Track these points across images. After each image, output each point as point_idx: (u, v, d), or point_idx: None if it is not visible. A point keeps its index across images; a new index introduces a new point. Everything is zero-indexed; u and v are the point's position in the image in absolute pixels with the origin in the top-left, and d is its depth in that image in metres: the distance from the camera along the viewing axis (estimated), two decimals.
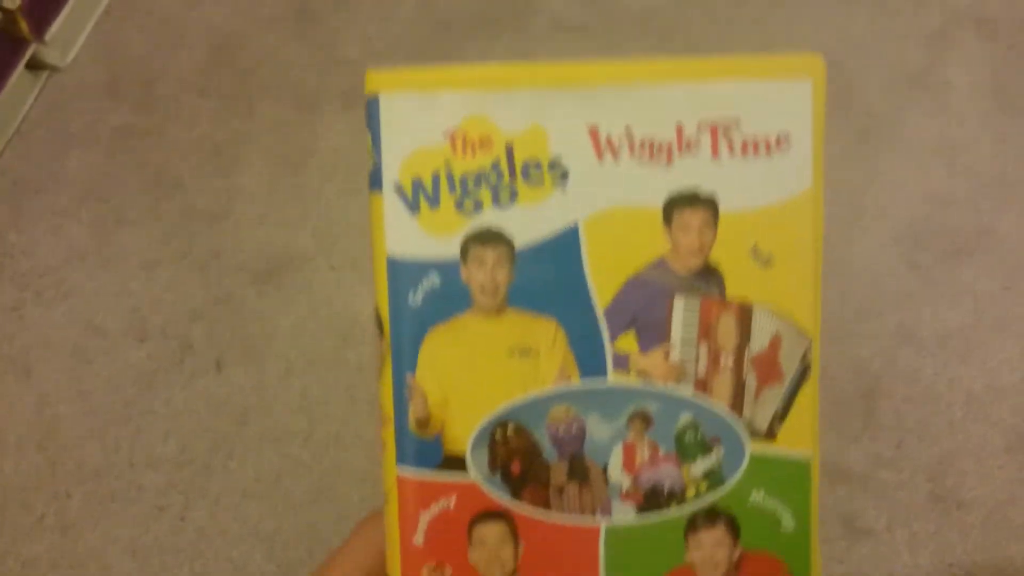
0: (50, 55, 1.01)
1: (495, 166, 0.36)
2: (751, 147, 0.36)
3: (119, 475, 0.75)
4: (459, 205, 0.36)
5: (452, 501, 0.37)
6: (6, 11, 0.94)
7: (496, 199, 0.37)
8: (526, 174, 0.35)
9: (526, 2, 1.05)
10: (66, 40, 1.03)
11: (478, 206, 0.36)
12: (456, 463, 0.37)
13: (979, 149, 0.92)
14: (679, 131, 0.35)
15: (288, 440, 0.77)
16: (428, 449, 0.37)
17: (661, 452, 0.37)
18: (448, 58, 1.02)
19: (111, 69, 1.02)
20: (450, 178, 0.36)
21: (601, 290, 0.37)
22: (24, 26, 0.96)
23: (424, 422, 0.37)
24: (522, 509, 0.37)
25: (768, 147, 0.35)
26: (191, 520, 0.74)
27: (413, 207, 0.36)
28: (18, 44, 0.97)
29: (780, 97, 0.35)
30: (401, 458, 0.37)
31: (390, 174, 0.35)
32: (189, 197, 0.91)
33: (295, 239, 0.87)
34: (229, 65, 1.01)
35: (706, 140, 0.35)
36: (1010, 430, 0.73)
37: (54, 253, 0.88)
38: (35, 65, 1.00)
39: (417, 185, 0.35)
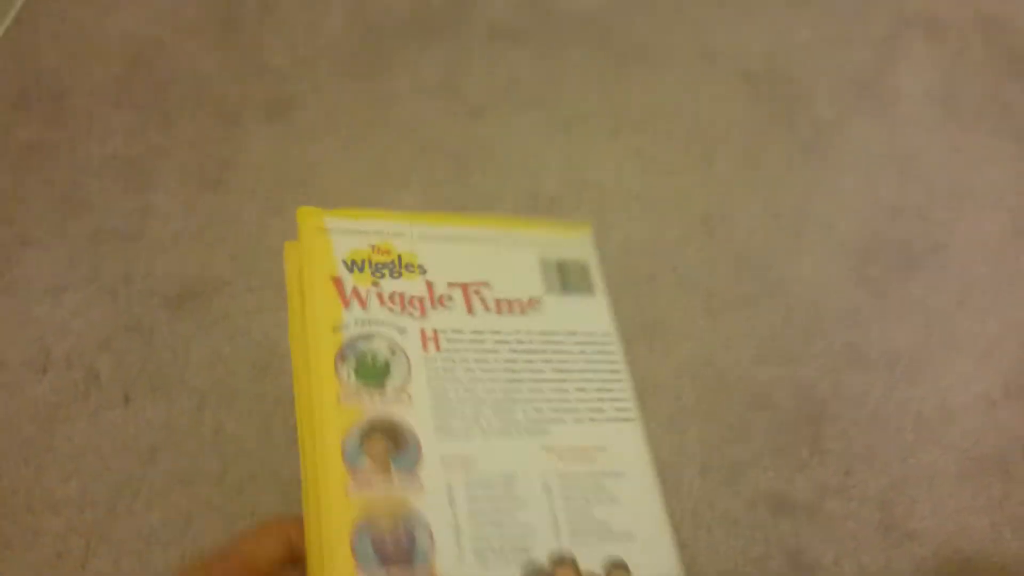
0: None
1: None
2: None
3: (16, 519, 0.70)
4: None
5: None
6: None
7: None
8: None
9: (462, 7, 1.01)
10: None
11: None
12: None
13: (930, 158, 0.89)
14: None
15: (199, 480, 0.72)
16: None
17: None
18: (378, 65, 0.98)
19: (21, 80, 0.96)
20: None
21: None
22: None
23: None
24: None
25: None
26: (92, 567, 0.69)
27: None
28: None
29: None
30: None
31: None
32: (99, 217, 0.85)
33: (211, 262, 0.82)
34: (146, 75, 0.95)
35: None
36: (962, 455, 0.70)
37: None
38: None
39: None
